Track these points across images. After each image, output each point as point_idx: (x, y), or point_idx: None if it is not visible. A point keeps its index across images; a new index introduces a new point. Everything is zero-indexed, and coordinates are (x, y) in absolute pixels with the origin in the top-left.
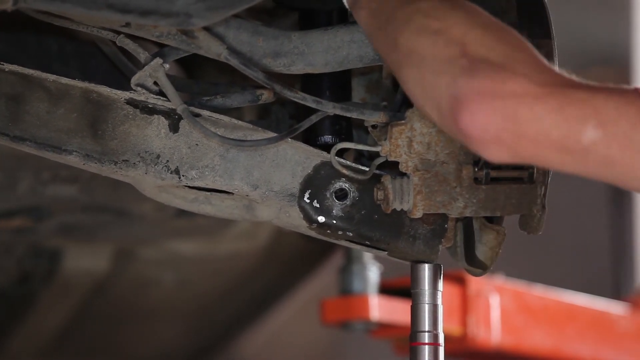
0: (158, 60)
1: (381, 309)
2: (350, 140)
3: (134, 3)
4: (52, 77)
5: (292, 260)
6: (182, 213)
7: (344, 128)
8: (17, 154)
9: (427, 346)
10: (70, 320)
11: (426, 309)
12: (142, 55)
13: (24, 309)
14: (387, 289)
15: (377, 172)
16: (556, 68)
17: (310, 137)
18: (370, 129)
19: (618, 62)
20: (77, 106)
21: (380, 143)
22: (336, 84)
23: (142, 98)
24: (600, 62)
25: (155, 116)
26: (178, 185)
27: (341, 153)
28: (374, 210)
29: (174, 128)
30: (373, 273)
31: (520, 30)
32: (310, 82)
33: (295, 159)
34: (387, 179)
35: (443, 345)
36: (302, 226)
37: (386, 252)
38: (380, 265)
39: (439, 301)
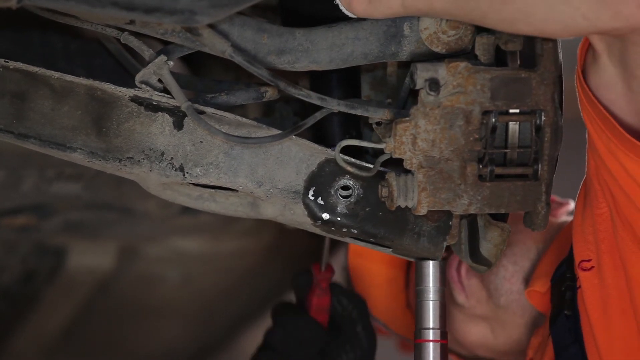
0: (162, 58)
1: None
2: (358, 137)
3: (139, 0)
4: (56, 74)
5: (297, 258)
6: (186, 210)
7: (352, 125)
8: (22, 151)
9: (431, 343)
10: (75, 318)
11: (431, 306)
12: (146, 52)
13: (28, 307)
14: None
15: (382, 169)
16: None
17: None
18: (374, 126)
19: None
20: (82, 103)
21: (384, 140)
22: (345, 82)
23: (146, 95)
24: None
25: (160, 113)
26: (182, 182)
27: (346, 151)
28: (379, 208)
29: (178, 125)
30: None
31: None
32: (318, 80)
33: (299, 156)
34: (391, 176)
35: (447, 342)
36: (307, 223)
37: (390, 249)
38: None
39: (444, 298)
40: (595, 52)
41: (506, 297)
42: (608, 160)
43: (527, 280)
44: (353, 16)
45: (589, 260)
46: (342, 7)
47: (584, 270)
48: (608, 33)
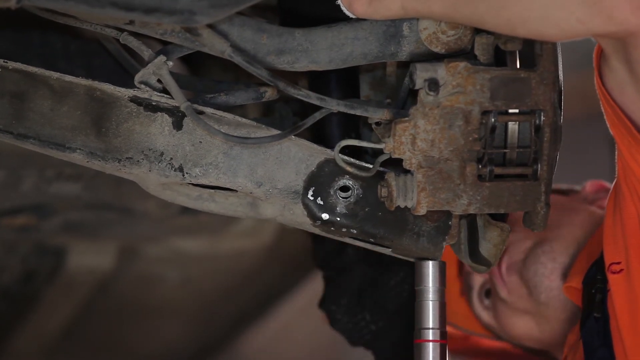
0: (162, 58)
1: None
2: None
3: (138, 1)
4: (55, 74)
5: (296, 258)
6: (186, 210)
7: (351, 126)
8: (21, 151)
9: (431, 343)
10: (74, 318)
11: (430, 306)
12: (145, 52)
13: (28, 307)
14: None
15: (381, 169)
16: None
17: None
18: (374, 126)
19: None
20: (81, 104)
21: (383, 140)
22: (345, 82)
23: (145, 95)
24: None
25: (159, 114)
26: (182, 182)
27: (346, 151)
28: (378, 208)
29: (178, 125)
30: None
31: None
32: (318, 80)
33: (299, 157)
34: (390, 176)
35: (447, 342)
36: (306, 223)
37: (390, 249)
38: None
39: (443, 298)
40: (605, 54)
41: (546, 294)
42: (632, 163)
43: (566, 275)
44: (353, 16)
45: (618, 263)
46: (343, 8)
47: (614, 273)
48: (606, 36)
